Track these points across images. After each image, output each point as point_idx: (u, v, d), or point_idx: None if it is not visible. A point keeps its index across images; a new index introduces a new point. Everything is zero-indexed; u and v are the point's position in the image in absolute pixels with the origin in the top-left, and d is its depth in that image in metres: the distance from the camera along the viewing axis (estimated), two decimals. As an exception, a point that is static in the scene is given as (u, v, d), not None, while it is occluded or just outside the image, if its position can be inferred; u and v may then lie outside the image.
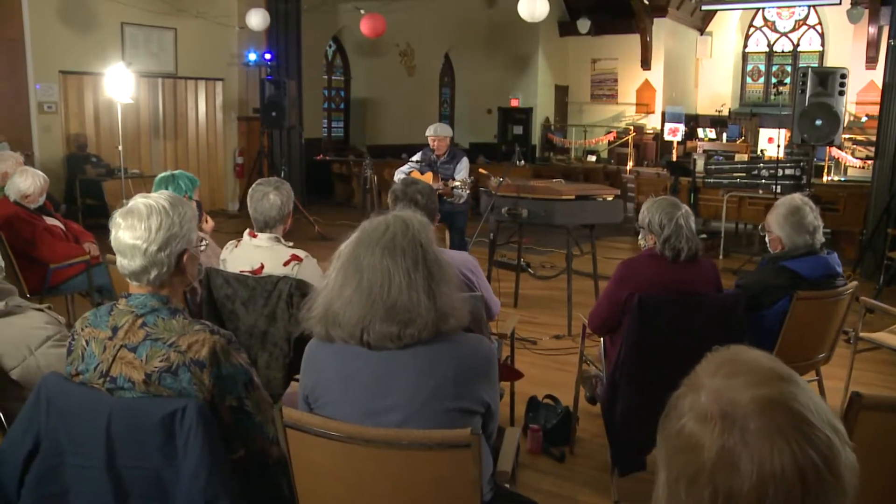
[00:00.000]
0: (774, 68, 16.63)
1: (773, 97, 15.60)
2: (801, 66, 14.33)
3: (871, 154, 8.86)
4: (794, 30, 16.33)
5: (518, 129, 14.80)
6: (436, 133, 5.97)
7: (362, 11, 10.60)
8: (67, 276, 4.29)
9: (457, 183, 5.77)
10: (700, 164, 8.71)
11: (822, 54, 15.78)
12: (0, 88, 8.36)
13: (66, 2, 8.71)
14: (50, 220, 4.34)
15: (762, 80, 16.79)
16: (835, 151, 9.57)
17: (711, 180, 8.19)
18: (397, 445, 1.52)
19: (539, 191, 5.13)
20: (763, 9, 15.98)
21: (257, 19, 9.72)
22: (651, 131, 15.43)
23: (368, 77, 13.89)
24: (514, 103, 15.31)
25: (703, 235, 7.39)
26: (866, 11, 12.57)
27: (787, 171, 7.61)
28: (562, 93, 16.95)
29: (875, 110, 10.63)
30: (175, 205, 1.70)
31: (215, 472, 1.56)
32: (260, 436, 1.72)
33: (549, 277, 6.57)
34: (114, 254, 1.70)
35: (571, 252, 5.19)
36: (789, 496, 0.76)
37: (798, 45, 16.33)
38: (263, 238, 2.86)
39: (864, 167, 9.80)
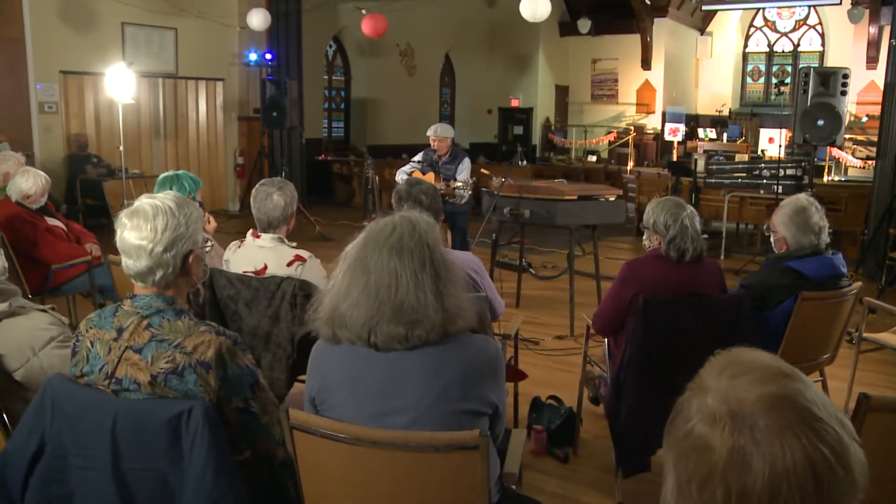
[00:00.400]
0: (775, 68, 16.64)
1: (773, 97, 15.59)
2: (801, 66, 14.31)
3: (872, 154, 8.86)
4: (794, 30, 16.34)
5: (518, 130, 14.81)
6: (437, 133, 5.96)
7: (363, 11, 10.60)
8: (69, 277, 4.28)
9: (459, 183, 5.76)
10: (701, 165, 8.70)
11: (822, 54, 15.79)
12: (1, 88, 8.35)
13: (66, 2, 8.70)
14: (51, 221, 4.33)
15: (762, 80, 16.80)
16: (835, 151, 9.56)
17: (713, 180, 8.19)
18: (405, 447, 1.51)
19: (541, 191, 5.12)
20: (763, 9, 15.98)
21: (258, 19, 9.71)
22: (651, 131, 15.43)
23: (369, 77, 13.88)
24: (515, 103, 15.32)
25: (705, 235, 7.36)
26: (867, 11, 12.57)
27: (789, 172, 7.62)
28: (562, 93, 16.95)
29: (875, 110, 10.64)
30: (181, 205, 1.69)
31: (221, 474, 1.55)
32: (266, 437, 1.71)
33: (551, 278, 6.56)
34: (115, 254, 1.69)
35: (573, 252, 5.18)
36: (802, 491, 0.76)
37: (798, 45, 16.33)
38: (267, 238, 2.85)
39: (864, 167, 9.79)
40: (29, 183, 4.14)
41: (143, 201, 1.69)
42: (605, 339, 3.12)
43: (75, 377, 1.71)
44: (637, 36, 15.49)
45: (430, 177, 5.86)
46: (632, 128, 15.36)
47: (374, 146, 12.71)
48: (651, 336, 2.64)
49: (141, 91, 9.15)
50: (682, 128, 12.99)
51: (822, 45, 15.85)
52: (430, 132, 6.00)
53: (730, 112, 16.06)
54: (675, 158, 12.60)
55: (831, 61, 14.91)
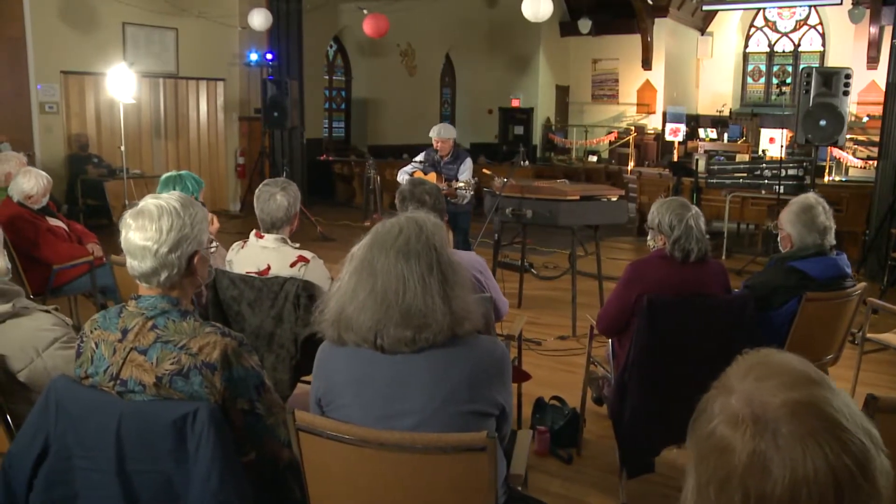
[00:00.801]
0: (775, 68, 16.64)
1: (775, 97, 15.59)
2: (801, 66, 14.32)
3: (872, 154, 8.85)
4: (794, 30, 16.33)
5: (519, 130, 14.81)
6: (440, 135, 5.94)
7: (365, 11, 10.59)
8: (71, 277, 4.27)
9: (460, 184, 5.75)
10: (702, 165, 8.70)
11: (822, 54, 15.78)
12: (1, 88, 8.35)
13: (67, 2, 8.69)
14: (53, 221, 4.32)
15: (763, 80, 16.80)
16: (836, 152, 9.55)
17: (714, 181, 8.18)
18: (411, 449, 1.50)
19: (543, 191, 5.11)
20: (764, 9, 15.98)
21: (259, 19, 9.70)
22: (652, 131, 15.43)
23: (369, 77, 13.87)
24: (515, 103, 15.31)
25: (707, 236, 7.36)
26: (867, 11, 12.57)
27: (790, 172, 7.61)
28: (563, 93, 16.95)
29: (876, 110, 10.64)
30: (186, 206, 1.69)
31: (227, 476, 1.54)
32: (271, 439, 1.70)
33: (553, 278, 6.55)
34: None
35: (576, 252, 5.18)
36: (822, 500, 0.75)
37: (799, 45, 16.33)
38: (270, 239, 2.84)
39: (865, 167, 9.79)
40: (31, 183, 4.13)
41: (148, 202, 1.68)
42: (609, 340, 3.11)
43: (80, 378, 1.71)
44: (638, 36, 15.49)
45: (431, 177, 5.85)
46: (632, 128, 15.36)
47: (375, 146, 12.70)
48: (656, 337, 2.64)
49: (142, 91, 9.14)
50: (682, 128, 12.99)
51: (823, 45, 15.85)
52: (432, 133, 5.99)
53: (730, 112, 16.06)
54: (675, 159, 12.60)
55: (832, 61, 14.91)
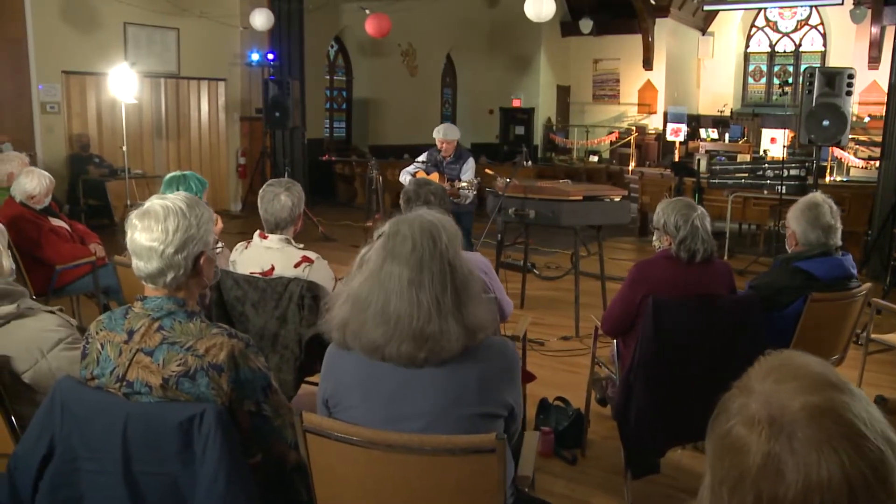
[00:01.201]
0: (776, 69, 16.63)
1: (777, 97, 15.58)
2: (803, 66, 14.31)
3: (874, 154, 8.85)
4: (796, 30, 16.32)
5: (520, 130, 14.80)
6: (445, 135, 5.93)
7: (367, 11, 10.58)
8: (73, 278, 4.27)
9: (463, 184, 5.74)
10: (703, 165, 8.69)
11: (824, 54, 15.77)
12: (3, 88, 8.34)
13: (68, 2, 8.69)
14: (56, 221, 4.32)
15: (764, 80, 16.79)
16: (837, 152, 9.55)
17: (716, 181, 8.17)
18: (420, 451, 1.49)
19: (546, 191, 5.11)
20: (765, 9, 15.96)
21: (261, 19, 9.69)
22: (653, 132, 15.42)
23: (370, 77, 13.87)
24: (516, 103, 15.31)
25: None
26: (869, 11, 12.56)
27: (792, 172, 7.60)
28: (564, 93, 16.94)
29: (877, 110, 10.64)
30: (192, 206, 1.67)
31: (234, 478, 1.54)
32: (278, 440, 1.69)
33: (555, 278, 6.54)
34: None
35: (578, 253, 5.17)
36: None
37: (800, 45, 16.32)
38: (274, 239, 2.84)
39: (867, 167, 9.79)
40: (33, 183, 4.12)
41: (154, 202, 1.67)
42: (614, 341, 3.10)
43: (86, 380, 1.70)
44: (639, 36, 15.48)
45: (434, 177, 5.84)
46: (633, 128, 15.35)
47: (376, 146, 12.69)
48: (661, 337, 2.63)
49: (143, 91, 9.14)
50: (683, 128, 12.97)
51: (824, 45, 15.84)
52: (437, 133, 5.97)
53: (731, 112, 16.04)
54: (676, 159, 12.58)
55: (833, 61, 14.90)
